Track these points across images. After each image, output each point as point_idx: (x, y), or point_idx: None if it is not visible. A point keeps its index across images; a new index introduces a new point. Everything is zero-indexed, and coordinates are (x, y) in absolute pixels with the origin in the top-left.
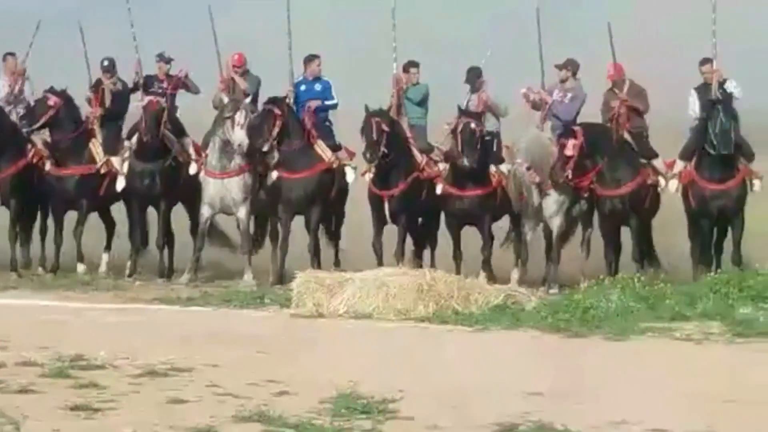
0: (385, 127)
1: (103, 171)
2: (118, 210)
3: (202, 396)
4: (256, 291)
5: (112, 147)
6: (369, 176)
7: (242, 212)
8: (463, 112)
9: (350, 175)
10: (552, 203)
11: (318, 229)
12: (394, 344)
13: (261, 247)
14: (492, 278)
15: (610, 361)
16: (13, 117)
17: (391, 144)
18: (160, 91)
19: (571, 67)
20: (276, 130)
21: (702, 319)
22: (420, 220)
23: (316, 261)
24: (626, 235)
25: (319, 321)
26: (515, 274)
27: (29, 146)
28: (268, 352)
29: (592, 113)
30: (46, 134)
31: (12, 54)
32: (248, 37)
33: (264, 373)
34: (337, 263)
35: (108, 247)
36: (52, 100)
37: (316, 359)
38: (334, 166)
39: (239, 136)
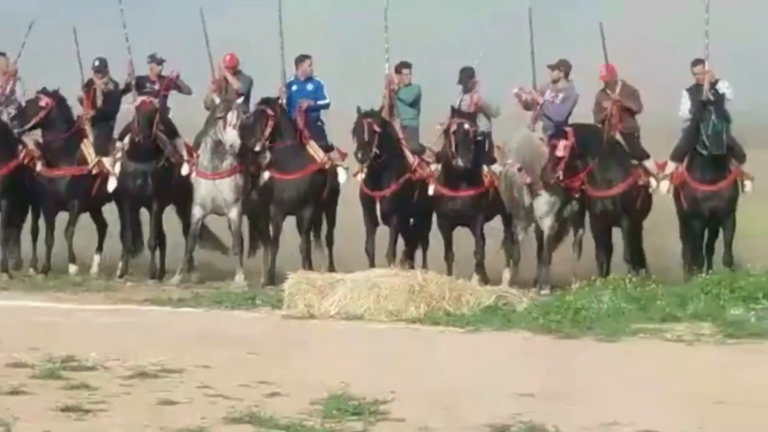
0: (376, 128)
1: (94, 172)
2: (110, 211)
3: (193, 397)
4: (247, 292)
5: (103, 147)
6: (361, 177)
7: (234, 213)
8: (457, 113)
9: (342, 176)
10: (543, 204)
11: (310, 230)
12: (386, 345)
13: (257, 250)
14: (485, 281)
15: (601, 362)
16: (4, 117)
17: (382, 145)
18: (153, 91)
19: (563, 67)
20: (268, 130)
21: (693, 320)
22: (411, 221)
23: (307, 262)
24: (618, 236)
25: (311, 322)
26: (507, 275)
27: (20, 147)
28: (259, 354)
29: (584, 114)
30: (37, 135)
31: (3, 54)
32: (240, 37)
33: (255, 374)
34: (331, 269)
35: (99, 249)
36: (44, 101)
37: (307, 360)
38: (327, 166)
39: (231, 137)
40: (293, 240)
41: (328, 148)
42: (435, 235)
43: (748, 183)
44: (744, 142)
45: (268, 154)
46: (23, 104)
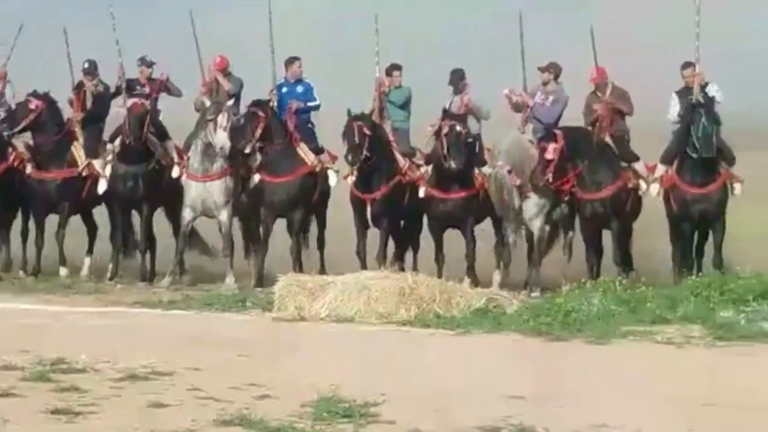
0: (367, 131)
1: (84, 174)
2: (101, 213)
3: (184, 400)
4: (237, 294)
5: (93, 149)
6: (351, 179)
7: (224, 215)
8: (448, 114)
9: (332, 179)
10: (532, 206)
11: (301, 233)
12: (376, 348)
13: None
14: (476, 283)
15: (591, 364)
16: None
17: (373, 147)
18: (144, 93)
19: (553, 70)
20: (259, 132)
21: (683, 323)
22: (402, 223)
23: (298, 264)
24: (608, 238)
25: (301, 324)
26: (497, 277)
27: (10, 149)
28: (249, 356)
29: (574, 117)
30: (27, 137)
31: None
32: (230, 40)
33: (245, 376)
34: (322, 271)
35: (90, 251)
36: (34, 104)
37: (297, 363)
38: (317, 169)
39: (221, 139)
40: (283, 242)
41: (318, 151)
42: (425, 238)
43: (737, 186)
44: (734, 145)
45: (258, 157)
46: (13, 107)
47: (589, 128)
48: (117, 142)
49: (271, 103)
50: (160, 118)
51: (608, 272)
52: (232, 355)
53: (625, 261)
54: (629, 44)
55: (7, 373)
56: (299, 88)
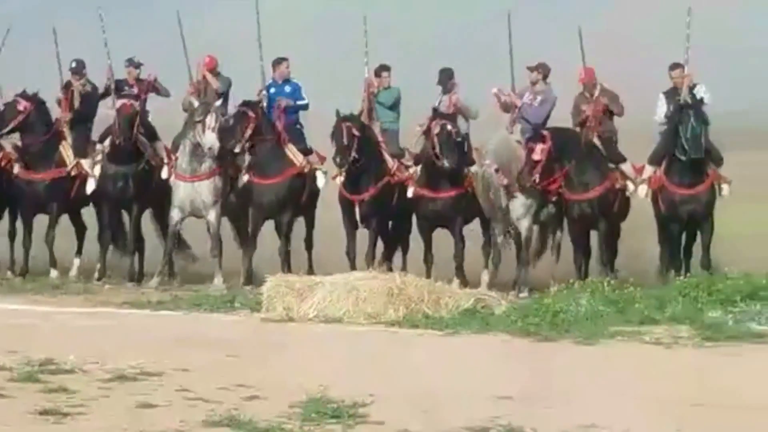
0: (355, 132)
1: (73, 174)
2: (89, 214)
3: (172, 400)
4: (226, 295)
5: (81, 149)
6: (340, 180)
7: (212, 215)
8: (438, 114)
9: (321, 180)
10: (519, 206)
11: (289, 233)
12: (364, 348)
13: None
14: (465, 284)
15: (579, 364)
16: None
17: (361, 149)
18: (133, 94)
19: (542, 70)
20: (249, 132)
21: (671, 323)
22: (391, 224)
23: (286, 265)
24: (595, 238)
25: (290, 325)
26: (485, 277)
27: None
28: (238, 356)
29: (562, 117)
30: (15, 138)
31: None
32: (218, 40)
33: (234, 377)
34: (310, 272)
35: (79, 252)
36: (23, 105)
37: (286, 363)
38: (305, 170)
39: (210, 140)
40: (272, 243)
41: (307, 152)
42: (415, 238)
43: (725, 186)
44: (732, 145)
45: (247, 157)
46: (1, 107)
47: (577, 129)
48: (107, 142)
49: (261, 104)
50: (149, 118)
51: (596, 273)
52: (221, 355)
53: (611, 262)
54: (618, 45)
55: None
56: (287, 89)
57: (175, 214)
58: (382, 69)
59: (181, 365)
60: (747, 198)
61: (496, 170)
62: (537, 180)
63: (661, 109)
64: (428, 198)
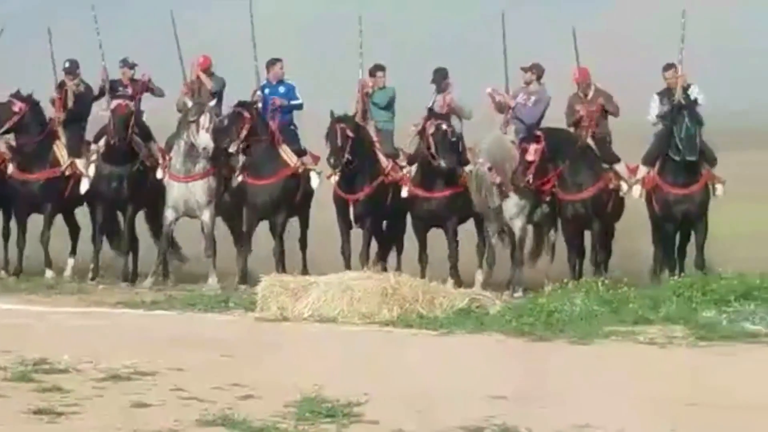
0: (349, 133)
1: (67, 173)
2: (83, 214)
3: (166, 400)
4: (220, 295)
5: (75, 149)
6: (334, 179)
7: (206, 215)
8: (433, 114)
9: (315, 180)
10: (512, 206)
11: (283, 234)
12: (359, 348)
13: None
14: (459, 284)
15: (574, 364)
16: None
17: (355, 150)
18: (128, 94)
19: (536, 70)
20: (244, 133)
21: (665, 323)
22: (385, 224)
23: (281, 265)
24: (589, 239)
25: (284, 324)
26: (479, 277)
27: None
28: (232, 356)
29: (556, 117)
30: (9, 138)
31: None
32: (213, 41)
33: (228, 376)
34: (304, 272)
35: (73, 252)
36: (18, 106)
37: (280, 363)
38: (300, 171)
39: (204, 140)
40: (266, 243)
41: (301, 153)
42: (409, 238)
43: (719, 186)
44: (715, 146)
45: (241, 158)
46: None
47: (571, 129)
48: (102, 142)
49: (256, 105)
50: (144, 118)
51: (590, 273)
52: (215, 355)
53: (605, 262)
54: (612, 46)
55: None
56: (281, 89)
57: (169, 215)
58: (376, 69)
59: (175, 365)
60: (747, 198)
61: (489, 168)
62: (531, 180)
63: (654, 109)
64: (423, 198)
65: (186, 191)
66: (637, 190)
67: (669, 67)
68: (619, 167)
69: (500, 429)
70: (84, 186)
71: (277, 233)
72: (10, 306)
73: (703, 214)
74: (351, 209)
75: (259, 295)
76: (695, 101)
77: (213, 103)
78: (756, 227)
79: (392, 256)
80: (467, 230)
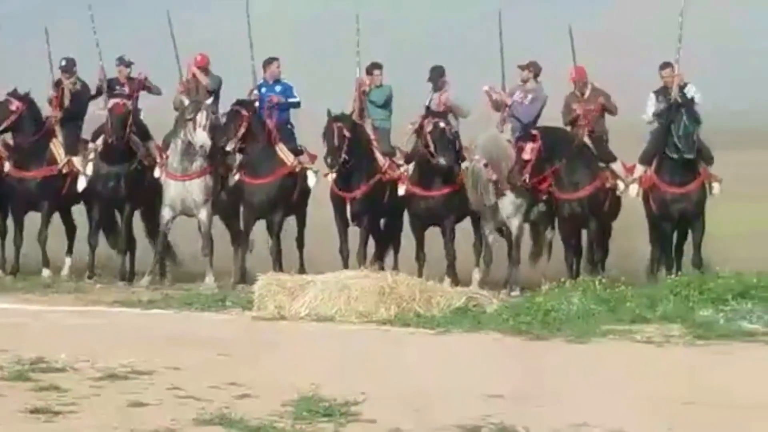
0: (346, 133)
1: (64, 171)
2: (80, 212)
3: (163, 399)
4: (217, 293)
5: (72, 147)
6: (331, 177)
7: (203, 214)
8: (430, 112)
9: (311, 179)
10: (508, 204)
11: (280, 233)
12: (356, 347)
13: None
14: (456, 282)
15: (571, 363)
16: None
17: (352, 149)
18: (125, 93)
19: (533, 68)
20: (242, 131)
21: (662, 322)
22: (383, 222)
23: (278, 264)
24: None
25: (281, 323)
26: (476, 275)
27: None
28: (229, 355)
29: (553, 116)
30: (6, 136)
31: None
32: (209, 41)
33: (225, 375)
34: (301, 270)
35: (70, 251)
36: (15, 105)
37: (277, 362)
38: (296, 170)
39: (201, 138)
40: (263, 241)
41: (297, 152)
42: (406, 237)
43: (716, 185)
44: (711, 145)
45: (238, 156)
46: None
47: (568, 128)
48: (99, 141)
49: (254, 103)
50: (141, 116)
51: (586, 272)
52: (212, 354)
53: (602, 261)
54: (610, 45)
55: None
56: (278, 89)
57: (166, 213)
58: (373, 67)
59: (172, 364)
60: (747, 197)
61: (485, 165)
62: (527, 179)
63: (650, 108)
64: (420, 196)
65: (183, 190)
66: (634, 188)
67: (666, 65)
68: (616, 166)
69: (497, 428)
70: (81, 184)
71: (274, 232)
72: (7, 305)
73: (700, 212)
74: (348, 207)
75: (256, 294)
76: (692, 100)
77: (210, 101)
78: (755, 227)
79: (389, 255)
80: (464, 229)
